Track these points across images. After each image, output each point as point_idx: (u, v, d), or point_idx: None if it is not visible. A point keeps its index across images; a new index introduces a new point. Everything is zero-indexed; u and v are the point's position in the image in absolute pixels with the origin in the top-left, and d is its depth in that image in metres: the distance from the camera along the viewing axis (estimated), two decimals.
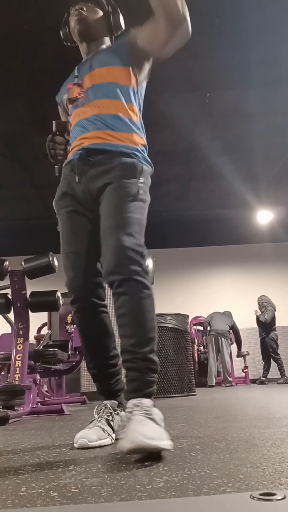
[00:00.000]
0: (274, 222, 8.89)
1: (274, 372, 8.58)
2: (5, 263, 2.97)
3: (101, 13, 1.69)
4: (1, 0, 3.82)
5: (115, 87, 1.56)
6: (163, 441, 1.01)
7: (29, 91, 4.95)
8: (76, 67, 1.69)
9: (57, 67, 3.85)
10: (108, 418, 1.36)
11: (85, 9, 1.66)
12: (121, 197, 1.39)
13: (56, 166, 1.58)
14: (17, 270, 3.00)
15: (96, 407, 1.42)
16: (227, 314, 8.03)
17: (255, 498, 0.62)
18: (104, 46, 1.70)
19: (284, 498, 0.61)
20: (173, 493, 0.72)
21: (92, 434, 1.27)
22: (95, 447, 1.25)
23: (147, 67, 1.66)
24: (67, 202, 1.53)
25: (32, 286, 3.16)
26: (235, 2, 3.98)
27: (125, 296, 1.28)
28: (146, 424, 1.05)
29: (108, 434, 1.31)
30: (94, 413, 1.40)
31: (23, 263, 3.00)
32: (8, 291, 3.02)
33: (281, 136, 6.22)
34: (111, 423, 1.35)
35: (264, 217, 8.71)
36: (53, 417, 2.73)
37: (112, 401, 1.45)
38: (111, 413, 1.38)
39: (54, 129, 1.58)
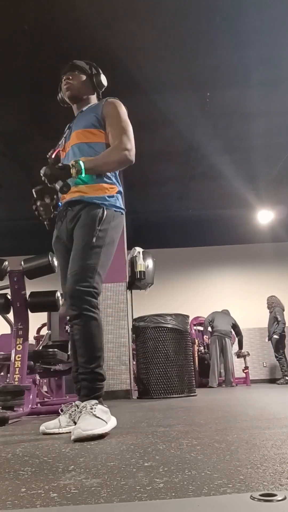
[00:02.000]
0: (275, 222, 8.89)
1: (275, 372, 8.57)
2: (4, 263, 2.96)
3: (84, 77, 2.08)
4: (1, 0, 3.81)
5: (85, 146, 1.94)
6: (94, 431, 1.47)
7: (29, 91, 4.95)
8: (67, 126, 2.12)
9: (57, 67, 3.85)
10: (71, 413, 1.77)
11: (71, 77, 2.06)
12: (79, 246, 1.82)
13: (45, 223, 1.95)
14: (16, 270, 2.99)
15: (65, 405, 1.83)
16: (227, 313, 8.02)
17: (256, 499, 0.62)
18: (86, 107, 2.08)
19: (284, 499, 0.61)
20: (173, 494, 0.72)
21: (51, 424, 1.76)
22: (50, 433, 1.73)
23: None
24: (59, 245, 1.99)
25: (31, 286, 3.16)
26: (235, 2, 3.97)
27: (78, 326, 1.75)
28: (87, 419, 1.52)
29: (66, 425, 1.74)
30: (63, 408, 1.82)
31: (22, 263, 3.00)
32: (8, 291, 3.02)
33: (281, 135, 6.21)
34: (74, 417, 1.71)
35: (264, 217, 8.70)
36: (52, 418, 2.72)
37: (91, 400, 1.72)
38: (74, 410, 1.76)
39: (35, 196, 1.91)
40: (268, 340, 7.87)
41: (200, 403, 3.40)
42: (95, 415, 1.55)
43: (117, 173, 2.02)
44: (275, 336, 7.62)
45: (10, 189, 7.31)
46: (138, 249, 5.59)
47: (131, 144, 1.89)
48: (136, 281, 5.43)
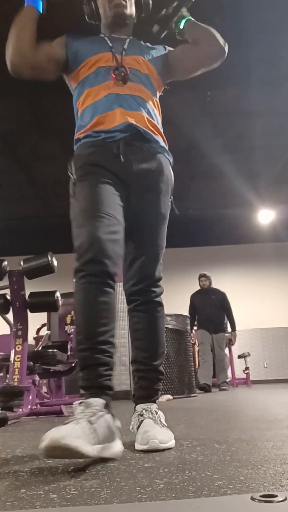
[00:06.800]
0: (276, 222, 8.89)
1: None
2: (4, 263, 2.95)
3: None
4: (1, 0, 3.81)
5: (151, 81, 1.58)
6: (169, 443, 1.20)
7: (29, 91, 4.95)
8: (106, 38, 1.61)
9: None
10: (90, 419, 1.01)
11: None
12: (161, 217, 1.55)
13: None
14: (16, 270, 2.99)
15: (75, 405, 1.11)
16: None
17: (256, 500, 0.61)
18: (131, 39, 1.66)
19: (285, 500, 0.61)
20: (174, 495, 0.71)
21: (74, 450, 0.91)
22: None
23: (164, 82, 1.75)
24: (103, 174, 1.39)
25: (31, 287, 3.15)
26: (235, 2, 3.97)
27: (144, 315, 1.46)
28: (162, 429, 1.24)
29: (99, 441, 0.98)
30: (74, 411, 1.08)
31: (22, 263, 2.99)
32: (7, 291, 3.02)
33: (282, 135, 6.22)
34: (96, 425, 1.00)
35: (265, 216, 8.70)
36: (52, 419, 2.72)
37: (98, 399, 1.12)
38: (94, 414, 1.04)
39: None
40: None
41: (200, 404, 3.39)
42: (164, 425, 1.29)
43: None
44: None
45: (9, 189, 7.31)
46: None
47: None
48: None
